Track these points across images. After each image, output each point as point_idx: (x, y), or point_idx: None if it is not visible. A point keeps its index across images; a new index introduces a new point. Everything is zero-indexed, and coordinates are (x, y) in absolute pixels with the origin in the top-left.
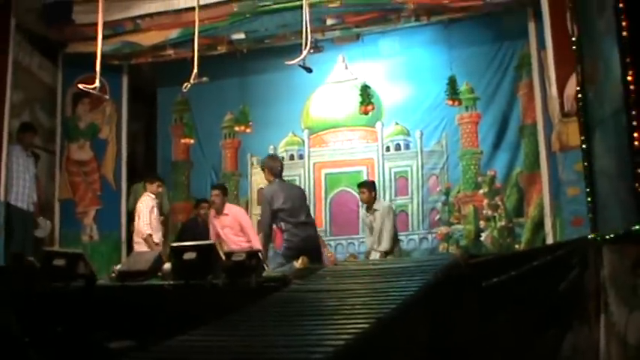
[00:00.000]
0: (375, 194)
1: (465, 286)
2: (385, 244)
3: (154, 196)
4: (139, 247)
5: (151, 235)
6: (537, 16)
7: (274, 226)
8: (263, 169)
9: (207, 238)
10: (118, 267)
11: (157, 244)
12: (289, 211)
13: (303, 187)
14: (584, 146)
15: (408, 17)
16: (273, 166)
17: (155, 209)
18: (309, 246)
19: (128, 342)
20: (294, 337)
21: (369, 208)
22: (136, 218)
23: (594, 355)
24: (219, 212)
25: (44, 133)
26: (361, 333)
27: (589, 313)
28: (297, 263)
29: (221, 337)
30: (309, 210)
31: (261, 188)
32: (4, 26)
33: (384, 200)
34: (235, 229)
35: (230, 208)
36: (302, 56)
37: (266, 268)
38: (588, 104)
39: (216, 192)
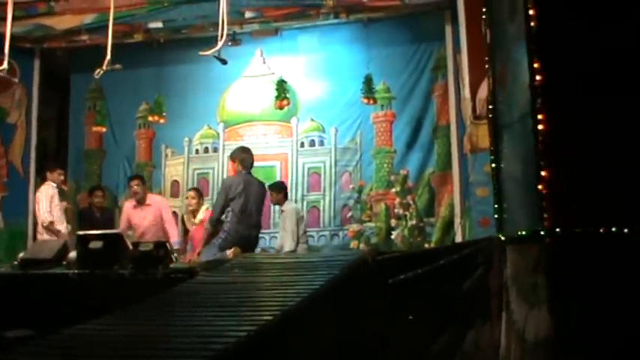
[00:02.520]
0: (284, 195)
1: (372, 283)
2: (287, 245)
3: (55, 184)
4: (43, 237)
5: (52, 223)
6: (454, 20)
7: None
8: (233, 160)
9: (104, 226)
10: (22, 254)
11: (59, 231)
12: (242, 206)
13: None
14: (492, 148)
15: (328, 14)
16: (245, 158)
17: (56, 197)
18: (246, 245)
19: (26, 331)
20: (195, 327)
21: (280, 209)
22: (36, 207)
23: (494, 352)
24: (142, 202)
25: None
26: (264, 324)
27: (491, 311)
28: (229, 252)
29: (121, 326)
30: (261, 212)
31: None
32: None
33: (292, 199)
34: (157, 219)
35: (152, 197)
36: (217, 47)
37: (174, 259)
38: (498, 108)
39: (136, 182)
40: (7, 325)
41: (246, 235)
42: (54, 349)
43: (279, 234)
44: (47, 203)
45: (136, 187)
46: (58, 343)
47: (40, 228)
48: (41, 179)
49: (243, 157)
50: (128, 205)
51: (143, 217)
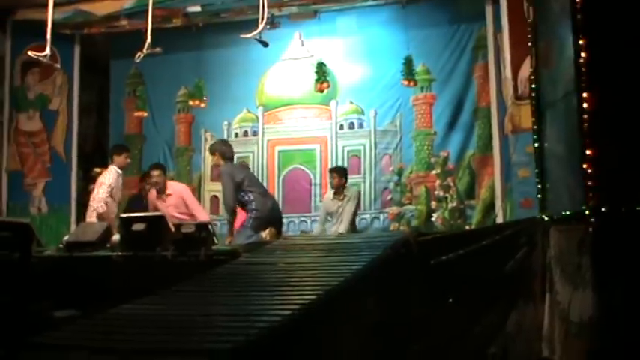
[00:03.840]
0: (346, 181)
1: (414, 264)
2: (342, 228)
3: (121, 171)
4: (92, 219)
5: (102, 215)
6: None
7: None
8: (212, 154)
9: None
10: (67, 237)
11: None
12: (252, 182)
13: (256, 164)
14: (535, 128)
15: None
16: (225, 151)
17: (119, 185)
18: (276, 215)
19: (72, 311)
20: (239, 306)
21: (338, 193)
22: (95, 190)
23: (537, 333)
24: (162, 192)
25: None
26: (307, 304)
27: (534, 292)
28: (265, 234)
29: (165, 305)
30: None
31: (217, 166)
32: None
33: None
34: (180, 207)
35: (172, 186)
36: (258, 30)
37: (216, 241)
38: (541, 86)
39: (157, 172)
40: (56, 305)
41: (271, 206)
42: (100, 327)
43: (322, 219)
44: (107, 192)
45: (156, 177)
46: (103, 322)
47: (89, 211)
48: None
49: (223, 149)
50: (152, 194)
51: (166, 207)
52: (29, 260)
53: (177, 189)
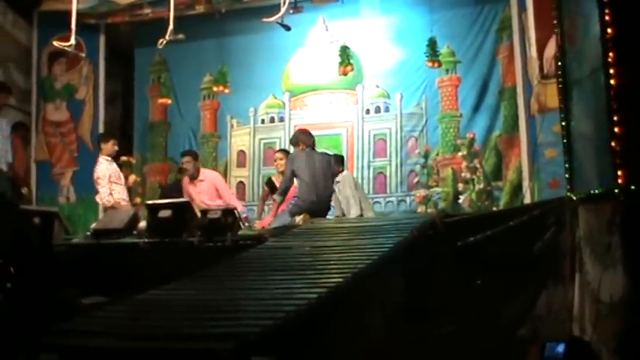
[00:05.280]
0: (342, 168)
1: (441, 245)
2: (352, 211)
3: (110, 158)
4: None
5: (113, 205)
6: None
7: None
8: (296, 144)
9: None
10: (94, 225)
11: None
12: (309, 173)
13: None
14: (561, 107)
15: None
16: (306, 140)
17: (114, 174)
18: (316, 208)
19: (100, 298)
20: (266, 290)
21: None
22: (98, 189)
23: (568, 314)
24: (194, 178)
25: (19, 93)
26: (335, 287)
27: (563, 273)
28: (299, 218)
29: (191, 290)
30: (329, 178)
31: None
32: None
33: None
34: (212, 194)
35: (205, 173)
36: (280, 13)
37: (242, 226)
38: (567, 64)
39: (186, 159)
40: (83, 292)
41: (316, 201)
42: (126, 313)
43: (336, 204)
44: (107, 186)
45: (186, 163)
46: (129, 307)
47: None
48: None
49: (304, 138)
50: (186, 180)
51: (198, 192)
52: (50, 248)
53: (209, 176)
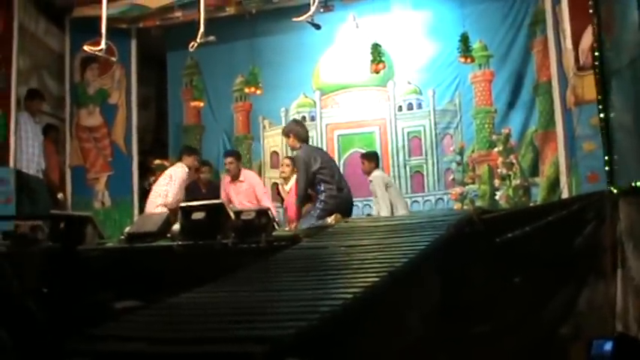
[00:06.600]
0: (375, 165)
1: (479, 242)
2: (383, 212)
3: (187, 169)
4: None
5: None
6: None
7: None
8: (287, 136)
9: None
10: (127, 229)
11: None
12: (329, 173)
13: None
14: (599, 98)
15: None
16: (300, 131)
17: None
18: (343, 208)
19: (133, 302)
20: (301, 291)
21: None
22: (166, 187)
23: (611, 311)
24: (235, 178)
25: (53, 99)
26: (371, 286)
27: (605, 268)
28: (330, 219)
29: (225, 293)
30: (341, 174)
31: (293, 148)
32: None
33: (394, 165)
34: (250, 196)
35: (245, 174)
36: (310, 12)
37: (276, 227)
38: (604, 55)
39: (230, 159)
40: (117, 296)
41: (342, 198)
42: (159, 317)
43: (373, 203)
44: (178, 188)
45: (229, 164)
46: (163, 311)
47: (155, 204)
48: (177, 159)
49: (299, 130)
50: (226, 180)
51: (237, 193)
52: (75, 252)
53: (250, 178)
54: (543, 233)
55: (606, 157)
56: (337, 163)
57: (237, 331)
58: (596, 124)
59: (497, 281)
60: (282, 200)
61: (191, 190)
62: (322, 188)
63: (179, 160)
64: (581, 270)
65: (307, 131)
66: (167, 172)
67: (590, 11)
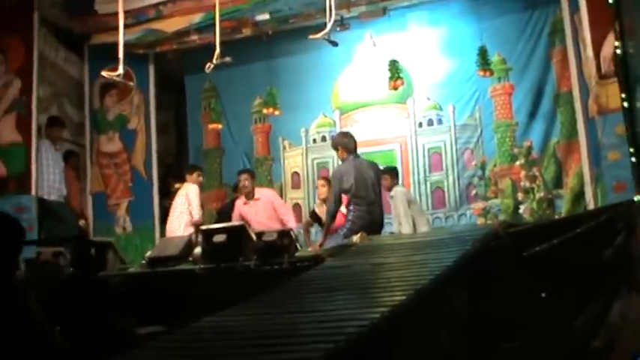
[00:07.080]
0: (396, 181)
1: (505, 257)
2: (405, 229)
3: (197, 185)
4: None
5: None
6: None
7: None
8: (336, 149)
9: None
10: (149, 253)
11: None
12: (360, 192)
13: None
14: (624, 106)
15: None
16: (347, 143)
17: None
18: (372, 228)
19: (156, 327)
20: (327, 312)
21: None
22: (190, 207)
23: None
24: (251, 197)
25: (73, 126)
26: (397, 305)
27: (638, 280)
28: (356, 237)
29: (249, 315)
30: (379, 192)
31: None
32: (28, 20)
33: (414, 181)
34: (269, 212)
35: (260, 191)
36: (326, 30)
37: (299, 247)
38: (628, 61)
39: (245, 176)
40: (140, 322)
41: (370, 220)
42: (182, 342)
43: (393, 219)
44: (199, 204)
45: (245, 181)
46: (186, 336)
47: (185, 226)
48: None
49: (345, 141)
50: (239, 203)
51: (255, 213)
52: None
53: (265, 194)
54: (572, 245)
55: (634, 164)
56: None
57: (262, 354)
58: (621, 132)
59: (526, 295)
60: (320, 222)
61: (227, 211)
62: (351, 208)
63: (184, 180)
64: (613, 281)
65: (355, 141)
66: (180, 192)
67: (611, 18)
